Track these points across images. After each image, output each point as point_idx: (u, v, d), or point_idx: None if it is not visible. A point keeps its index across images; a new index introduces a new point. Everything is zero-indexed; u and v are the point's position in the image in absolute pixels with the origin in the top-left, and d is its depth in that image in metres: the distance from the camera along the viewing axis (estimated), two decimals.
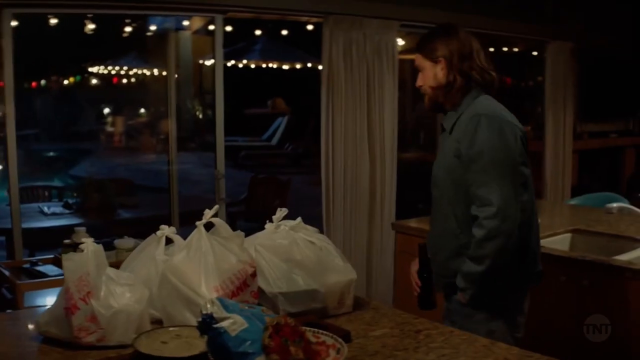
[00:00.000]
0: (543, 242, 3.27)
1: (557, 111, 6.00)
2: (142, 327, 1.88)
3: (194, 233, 2.01)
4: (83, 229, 3.45)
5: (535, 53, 6.74)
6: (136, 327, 1.86)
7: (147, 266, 2.09)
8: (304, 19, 4.67)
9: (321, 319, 2.08)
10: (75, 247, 3.13)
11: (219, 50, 4.18)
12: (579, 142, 6.86)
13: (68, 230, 3.54)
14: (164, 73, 12.37)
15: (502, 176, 2.14)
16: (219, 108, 4.16)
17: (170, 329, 1.85)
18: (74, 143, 12.58)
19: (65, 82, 14.82)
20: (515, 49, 8.20)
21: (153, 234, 2.15)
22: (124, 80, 13.88)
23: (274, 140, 14.47)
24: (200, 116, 19.23)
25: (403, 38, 7.77)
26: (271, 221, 2.27)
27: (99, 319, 1.81)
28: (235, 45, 14.53)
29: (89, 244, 1.94)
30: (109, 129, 11.43)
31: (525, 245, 2.30)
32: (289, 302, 2.09)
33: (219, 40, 4.19)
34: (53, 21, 4.81)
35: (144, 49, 11.21)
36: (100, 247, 1.97)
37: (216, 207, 2.08)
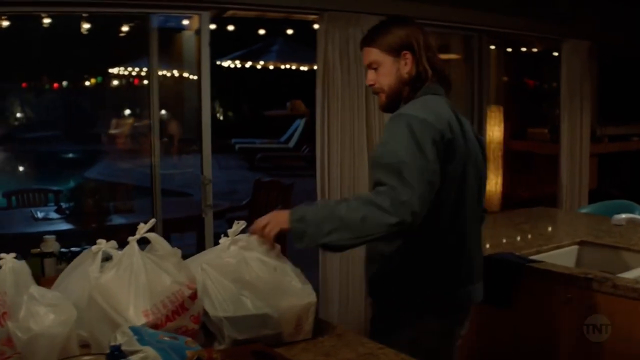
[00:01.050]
0: (545, 255, 3.04)
1: (573, 113, 5.68)
2: (68, 351, 1.69)
3: (126, 249, 1.79)
4: (52, 237, 3.21)
5: (556, 54, 6.44)
6: (59, 351, 1.67)
7: (81, 284, 1.88)
8: (297, 16, 4.42)
9: (275, 346, 1.86)
10: (43, 256, 2.93)
11: (205, 50, 3.95)
12: (598, 146, 6.54)
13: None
14: (185, 74, 12.31)
15: (410, 175, 1.92)
16: (205, 111, 3.93)
17: (96, 355, 1.64)
18: (92, 145, 12.57)
19: (87, 83, 14.87)
20: (535, 49, 7.91)
21: (88, 249, 1.93)
22: (145, 82, 13.88)
23: (292, 143, 14.26)
24: (221, 118, 19.19)
25: None
26: (226, 235, 2.04)
27: (15, 342, 1.64)
28: (251, 47, 14.40)
29: (7, 260, 1.75)
30: (113, 131, 11.30)
31: (455, 254, 2.13)
32: (236, 327, 1.87)
33: (205, 39, 3.96)
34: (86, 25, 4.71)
35: (164, 50, 11.12)
36: (22, 263, 1.78)
37: (152, 220, 1.85)
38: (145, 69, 13.11)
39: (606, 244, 3.14)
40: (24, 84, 14.56)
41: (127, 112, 13.46)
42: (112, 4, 3.75)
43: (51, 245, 3.01)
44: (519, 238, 3.24)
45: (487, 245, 3.14)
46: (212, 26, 5.70)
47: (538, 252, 3.03)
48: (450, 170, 2.03)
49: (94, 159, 11.88)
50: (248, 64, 14.70)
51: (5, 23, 5.12)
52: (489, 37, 6.02)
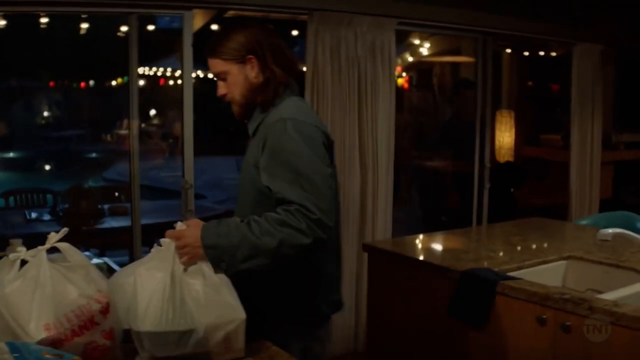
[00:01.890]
0: (529, 271, 2.85)
1: (584, 119, 5.46)
2: None
3: (34, 259, 1.68)
4: (19, 240, 3.13)
5: None
6: None
7: None
8: (286, 15, 4.28)
9: None
10: None
11: (188, 52, 3.82)
12: (614, 153, 6.29)
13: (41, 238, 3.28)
14: (210, 75, 12.21)
15: (314, 186, 1.82)
16: (187, 113, 3.81)
17: None
18: (115, 144, 12.63)
19: (113, 83, 14.96)
20: (553, 54, 7.67)
21: (5, 257, 1.82)
22: (171, 82, 13.90)
23: None
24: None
25: (426, 40, 7.38)
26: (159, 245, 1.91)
27: None
28: None
29: None
30: (122, 131, 11.35)
31: (319, 266, 2.03)
32: (156, 343, 1.73)
33: (188, 40, 3.83)
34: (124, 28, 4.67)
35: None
36: None
37: (64, 230, 1.72)
38: (170, 69, 13.14)
39: (594, 260, 2.94)
40: (51, 83, 14.69)
41: (152, 112, 13.50)
42: (92, 4, 3.66)
43: (16, 247, 2.93)
44: (501, 253, 3.05)
45: (465, 260, 2.97)
46: (214, 27, 5.63)
47: (520, 268, 2.84)
48: (333, 174, 1.99)
49: (114, 159, 11.93)
50: None
51: (44, 20, 5.08)
52: (499, 39, 5.83)
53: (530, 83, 7.50)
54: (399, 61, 9.12)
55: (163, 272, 1.79)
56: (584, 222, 3.96)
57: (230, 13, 4.84)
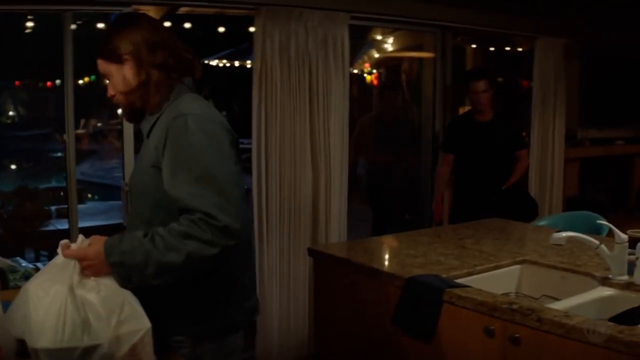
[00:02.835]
0: (480, 277, 2.71)
1: (546, 114, 5.33)
2: None
3: None
4: None
5: None
6: None
7: None
8: (231, 12, 4.08)
9: None
10: None
11: (68, 52, 3.61)
12: (579, 150, 6.18)
13: None
14: None
15: (219, 187, 1.70)
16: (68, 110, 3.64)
17: None
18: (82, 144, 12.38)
19: (80, 81, 14.68)
20: (520, 49, 7.54)
21: None
22: None
23: None
24: None
25: (389, 35, 7.22)
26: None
27: None
28: (240, 45, 14.07)
29: None
30: (79, 131, 11.14)
31: (229, 272, 1.89)
32: None
33: (68, 41, 3.61)
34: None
35: None
36: None
37: None
38: None
39: (549, 264, 2.80)
40: (17, 82, 14.34)
41: (119, 111, 13.23)
42: (25, 1, 3.45)
43: None
44: (452, 257, 2.89)
45: (412, 265, 2.81)
46: (167, 23, 5.41)
47: (470, 274, 2.69)
48: (240, 172, 1.87)
49: (82, 158, 11.71)
50: (237, 63, 14.38)
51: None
52: (460, 34, 5.69)
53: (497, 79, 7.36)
54: (366, 57, 8.99)
55: (60, 285, 1.66)
56: (543, 222, 3.82)
57: (182, 10, 4.64)
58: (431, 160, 5.24)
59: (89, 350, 1.60)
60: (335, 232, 4.15)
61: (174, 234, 1.66)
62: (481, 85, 4.65)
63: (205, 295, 1.85)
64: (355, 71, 9.27)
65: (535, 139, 5.33)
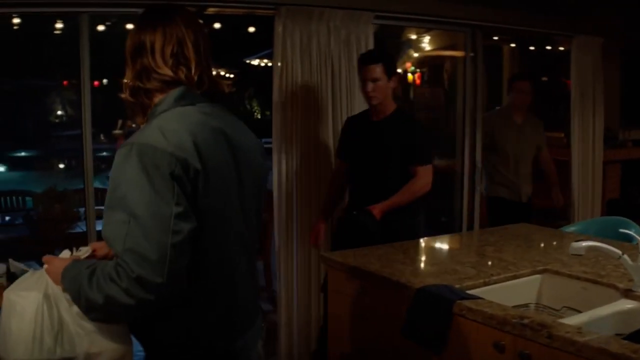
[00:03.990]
0: (497, 287, 2.59)
1: (585, 115, 5.14)
2: None
3: None
4: None
5: None
6: None
7: None
8: (250, 12, 4.03)
9: None
10: None
11: (85, 55, 3.57)
12: (621, 151, 5.96)
13: None
14: (222, 72, 12.03)
15: (143, 232, 1.49)
16: (86, 118, 3.60)
17: None
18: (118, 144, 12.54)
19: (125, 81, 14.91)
20: (561, 48, 7.34)
21: None
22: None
23: None
24: (259, 116, 18.96)
25: (425, 34, 7.09)
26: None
27: None
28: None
29: None
30: (116, 132, 11.24)
31: (224, 303, 1.70)
32: None
33: (85, 43, 3.58)
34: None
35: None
36: None
37: None
38: None
39: (572, 275, 2.65)
40: (65, 82, 14.63)
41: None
42: (40, 4, 3.46)
43: None
44: (469, 265, 2.78)
45: (430, 274, 2.71)
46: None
47: (486, 284, 2.57)
48: (206, 205, 1.61)
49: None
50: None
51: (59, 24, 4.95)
52: (490, 33, 5.54)
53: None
54: (405, 57, 8.87)
55: (36, 292, 1.60)
56: (573, 228, 3.66)
57: (211, 10, 4.61)
58: (461, 161, 5.10)
59: None
60: None
61: (105, 272, 1.51)
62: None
63: (198, 331, 1.68)
64: (399, 70, 9.18)
65: (576, 140, 5.15)
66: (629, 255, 2.42)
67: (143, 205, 1.49)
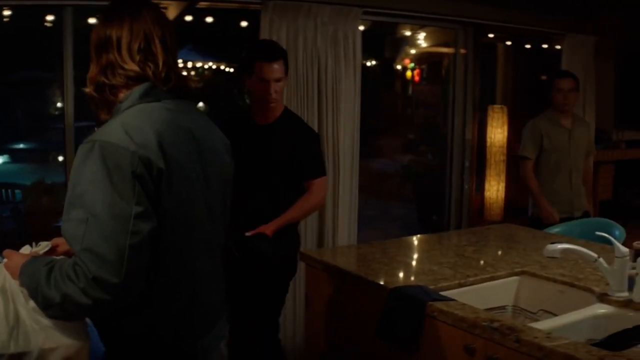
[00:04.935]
0: (473, 289, 2.57)
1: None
2: None
3: None
4: None
5: None
6: None
7: None
8: (235, 6, 4.00)
9: None
10: None
11: (68, 48, 3.56)
12: (614, 152, 5.92)
13: None
14: (222, 67, 12.06)
15: (100, 231, 1.46)
16: (68, 114, 3.61)
17: None
18: None
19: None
20: (558, 47, 7.30)
21: None
22: (184, 73, 13.78)
23: None
24: None
25: (420, 30, 7.05)
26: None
27: None
28: None
29: None
30: None
31: (184, 304, 1.67)
32: None
33: (68, 35, 3.56)
34: None
35: (200, 42, 11.03)
36: None
37: None
38: (180, 60, 12.97)
39: (549, 277, 2.63)
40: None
41: None
42: None
43: None
44: (446, 266, 2.75)
45: (406, 274, 2.69)
46: (189, 18, 5.37)
47: (461, 286, 2.55)
48: (169, 204, 1.58)
49: None
50: None
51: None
52: (483, 30, 5.50)
53: (526, 77, 7.13)
54: (403, 54, 8.82)
55: None
56: (557, 229, 3.64)
57: (203, 4, 4.59)
58: (450, 160, 5.07)
59: (17, 357, 1.52)
60: (345, 235, 4.04)
61: (62, 271, 1.49)
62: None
63: (126, 335, 1.66)
64: (399, 67, 9.14)
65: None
66: (606, 259, 2.40)
67: (102, 205, 1.47)
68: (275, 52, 3.03)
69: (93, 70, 1.70)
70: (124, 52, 1.66)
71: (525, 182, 4.52)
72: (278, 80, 3.00)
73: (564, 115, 4.47)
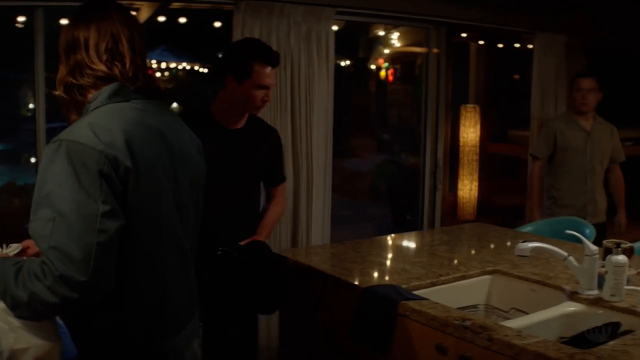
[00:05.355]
0: (446, 287, 2.58)
1: (547, 114, 5.14)
2: None
3: None
4: None
5: None
6: None
7: None
8: (208, 6, 3.98)
9: None
10: None
11: (39, 49, 3.51)
12: None
13: None
14: (196, 68, 11.95)
15: (67, 229, 1.46)
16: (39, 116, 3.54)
17: None
18: None
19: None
20: (530, 46, 7.36)
21: None
22: (158, 74, 13.72)
23: None
24: None
25: (394, 30, 7.07)
26: None
27: None
28: None
29: None
30: None
31: (152, 304, 1.68)
32: None
33: (40, 35, 3.52)
34: None
35: (174, 43, 10.97)
36: None
37: None
38: (154, 61, 12.86)
39: (520, 276, 2.65)
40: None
41: None
42: None
43: None
44: (420, 264, 2.76)
45: (378, 273, 2.69)
46: (162, 18, 5.33)
47: (433, 285, 2.56)
48: (137, 204, 1.59)
49: None
50: None
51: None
52: (458, 30, 5.53)
53: (498, 76, 7.19)
54: (377, 53, 8.85)
55: None
56: (528, 228, 3.67)
57: (176, 5, 4.56)
58: (422, 159, 5.09)
59: None
60: (318, 235, 4.03)
61: (30, 270, 1.49)
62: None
63: (124, 330, 1.65)
64: (373, 67, 9.15)
65: (535, 138, 5.14)
66: (577, 257, 2.43)
67: (69, 203, 1.47)
68: (277, 56, 2.80)
69: (62, 71, 1.71)
70: (92, 52, 1.67)
71: (528, 182, 4.38)
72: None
73: (583, 116, 4.27)
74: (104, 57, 1.67)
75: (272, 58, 2.76)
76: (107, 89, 1.66)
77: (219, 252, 2.62)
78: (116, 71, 1.67)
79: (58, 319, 1.67)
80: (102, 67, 1.66)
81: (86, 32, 1.67)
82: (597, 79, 4.26)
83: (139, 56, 1.73)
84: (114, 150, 1.53)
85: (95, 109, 1.64)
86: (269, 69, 2.73)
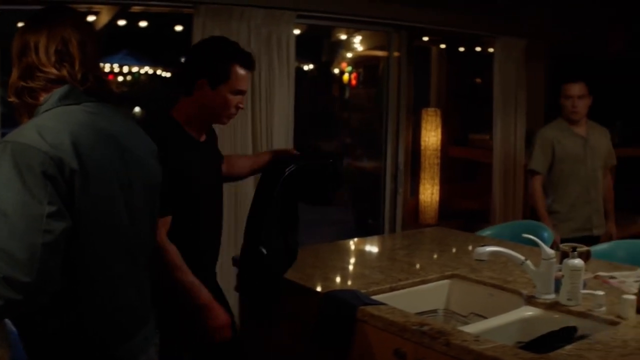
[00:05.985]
0: (404, 292, 2.58)
1: (507, 118, 5.20)
2: None
3: None
4: None
5: None
6: None
7: None
8: (168, 9, 3.94)
9: None
10: None
11: None
12: None
13: None
14: (158, 72, 11.79)
15: (9, 230, 1.45)
16: None
17: None
18: None
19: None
20: (491, 50, 7.44)
21: None
22: (120, 79, 13.62)
23: None
24: None
25: (356, 34, 7.08)
26: None
27: None
28: None
29: None
30: None
31: (105, 307, 1.66)
32: None
33: None
34: None
35: (136, 47, 10.89)
36: None
37: None
38: (116, 65, 12.75)
39: (479, 280, 2.66)
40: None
41: None
42: None
43: None
44: (379, 269, 2.75)
45: (338, 278, 2.68)
46: (122, 22, 5.25)
47: (392, 290, 2.55)
48: (84, 206, 1.57)
49: None
50: None
51: None
52: (419, 33, 5.56)
53: (460, 80, 7.25)
54: (340, 57, 8.86)
55: None
56: (487, 232, 3.69)
57: (136, 9, 4.50)
58: (384, 163, 5.10)
59: None
60: None
61: None
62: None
63: (78, 335, 1.63)
64: (336, 71, 9.16)
65: (498, 143, 5.20)
66: (534, 261, 2.44)
67: (14, 204, 1.46)
68: (254, 60, 2.53)
69: (14, 75, 1.70)
70: (42, 54, 1.66)
71: (531, 199, 4.09)
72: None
73: (575, 124, 4.04)
74: (53, 59, 1.66)
75: (251, 61, 2.50)
76: (57, 92, 1.65)
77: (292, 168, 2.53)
78: (65, 72, 1.66)
79: (10, 325, 1.64)
80: (52, 69, 1.65)
81: (37, 37, 1.67)
82: (586, 84, 4.04)
83: (90, 59, 1.72)
84: (59, 152, 1.52)
85: (45, 111, 1.63)
86: (248, 73, 2.47)
